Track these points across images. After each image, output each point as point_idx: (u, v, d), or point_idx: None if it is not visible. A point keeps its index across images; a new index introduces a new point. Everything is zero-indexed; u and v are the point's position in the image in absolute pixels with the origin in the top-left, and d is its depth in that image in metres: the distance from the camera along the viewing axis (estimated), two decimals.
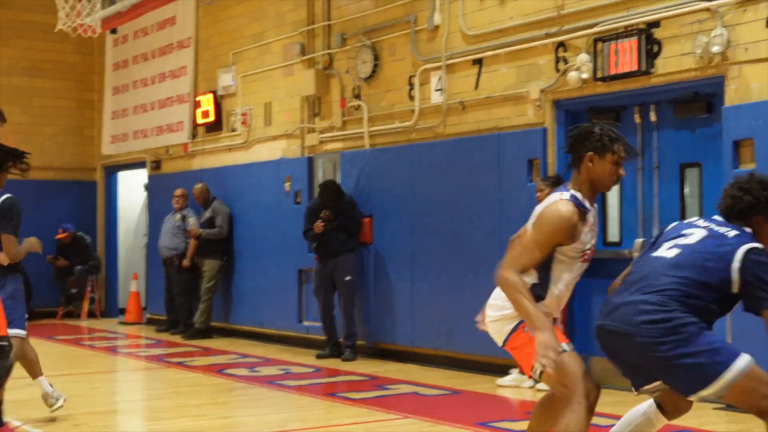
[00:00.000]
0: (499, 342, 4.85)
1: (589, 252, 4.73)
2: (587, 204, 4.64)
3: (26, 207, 18.37)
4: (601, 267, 8.88)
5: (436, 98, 10.64)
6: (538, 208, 4.75)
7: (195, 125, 14.73)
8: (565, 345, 4.55)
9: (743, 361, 4.27)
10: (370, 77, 11.55)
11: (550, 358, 4.28)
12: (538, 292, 4.62)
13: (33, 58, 17.52)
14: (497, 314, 4.79)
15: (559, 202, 4.59)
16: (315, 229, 11.23)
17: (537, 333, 4.36)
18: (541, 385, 7.06)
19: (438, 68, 10.62)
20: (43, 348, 12.78)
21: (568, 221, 4.55)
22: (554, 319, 4.78)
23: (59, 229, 16.48)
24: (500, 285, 4.63)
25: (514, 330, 4.70)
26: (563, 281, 4.74)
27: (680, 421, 5.20)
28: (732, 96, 7.98)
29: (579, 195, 4.62)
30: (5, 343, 6.37)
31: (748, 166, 7.75)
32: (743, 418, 7.12)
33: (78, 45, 16.75)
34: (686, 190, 8.72)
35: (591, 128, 4.65)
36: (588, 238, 4.67)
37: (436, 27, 10.67)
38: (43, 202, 16.96)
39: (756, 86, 7.82)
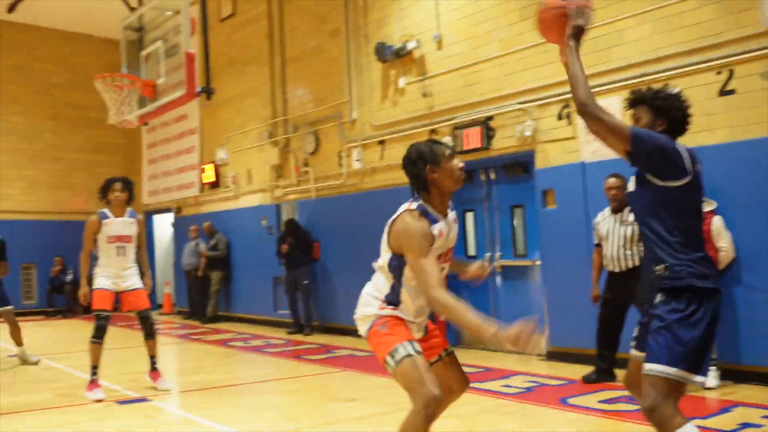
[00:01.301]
0: (363, 336, 3.54)
1: (443, 257, 3.41)
2: (437, 215, 3.36)
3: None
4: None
5: (356, 165, 10.70)
6: (390, 222, 3.43)
7: (202, 184, 14.65)
8: (410, 349, 3.25)
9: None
10: (313, 152, 11.61)
11: (524, 340, 2.81)
12: (391, 299, 3.44)
13: (95, 141, 17.33)
14: (358, 313, 3.56)
15: (405, 213, 3.35)
16: (282, 250, 11.32)
17: (490, 335, 2.92)
18: None
19: (356, 146, 10.69)
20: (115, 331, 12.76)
21: (423, 227, 3.27)
22: (417, 323, 3.49)
23: None
24: (436, 308, 3.16)
25: (370, 328, 3.47)
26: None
27: None
28: (540, 162, 8.18)
29: (429, 207, 3.37)
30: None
31: (551, 207, 8.00)
32: None
33: (124, 132, 16.62)
34: (515, 222, 8.86)
35: (415, 150, 3.42)
36: (440, 243, 3.34)
37: (354, 120, 10.77)
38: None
39: (554, 156, 8.03)
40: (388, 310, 3.44)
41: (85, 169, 17.15)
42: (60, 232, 16.40)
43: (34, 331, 13.32)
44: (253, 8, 13.06)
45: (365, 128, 10.59)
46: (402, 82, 9.86)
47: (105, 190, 6.81)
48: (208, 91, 8.57)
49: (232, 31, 13.61)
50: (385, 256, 3.44)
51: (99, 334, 6.52)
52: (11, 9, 15.56)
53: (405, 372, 3.23)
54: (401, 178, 9.89)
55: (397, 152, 10.00)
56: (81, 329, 13.49)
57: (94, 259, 6.84)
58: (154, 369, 6.90)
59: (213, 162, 14.21)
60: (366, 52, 10.50)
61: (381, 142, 10.28)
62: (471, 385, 3.73)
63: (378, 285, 3.52)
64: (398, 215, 3.38)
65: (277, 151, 12.29)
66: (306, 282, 11.16)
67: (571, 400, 5.91)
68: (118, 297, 6.80)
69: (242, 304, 13.41)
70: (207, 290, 13.80)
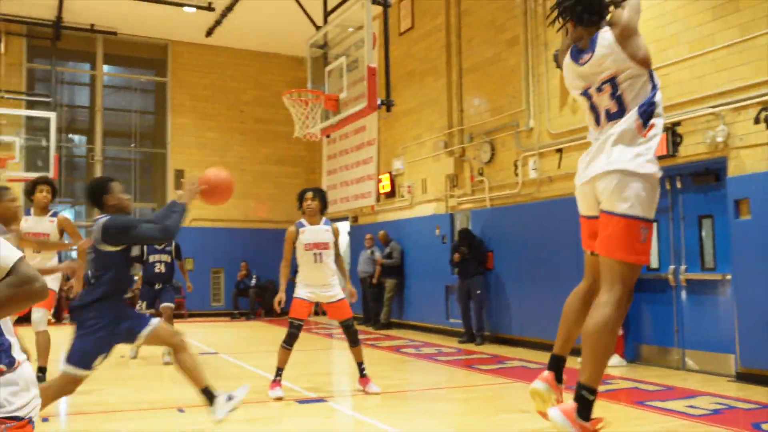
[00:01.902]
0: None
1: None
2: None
3: (277, 245, 19.08)
4: (646, 286, 8.73)
5: (532, 174, 10.59)
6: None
7: (378, 194, 15.01)
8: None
9: None
10: (489, 161, 11.59)
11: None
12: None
13: (279, 153, 18.23)
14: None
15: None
16: (454, 259, 11.34)
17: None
18: None
19: (533, 155, 10.58)
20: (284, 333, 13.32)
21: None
22: None
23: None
24: None
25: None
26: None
27: None
28: (733, 169, 7.68)
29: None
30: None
31: (746, 217, 7.49)
32: None
33: (306, 145, 17.40)
34: (703, 233, 8.39)
35: None
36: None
37: (531, 129, 10.67)
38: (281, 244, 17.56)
39: (750, 163, 7.51)
40: None
41: (269, 179, 18.13)
42: (246, 239, 17.42)
43: (220, 330, 14.22)
44: (431, 21, 13.28)
45: (543, 136, 10.44)
46: None
47: (299, 200, 7.09)
48: (388, 104, 8.71)
49: (411, 44, 13.90)
50: None
51: (290, 341, 6.78)
52: (209, 33, 16.81)
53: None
54: None
55: (575, 160, 9.72)
56: (262, 330, 14.23)
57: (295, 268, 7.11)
58: (363, 375, 6.99)
59: (389, 172, 14.51)
60: (545, 60, 10.37)
61: (559, 151, 10.09)
62: (652, 403, 3.65)
63: None
64: None
65: (453, 160, 12.36)
66: (479, 291, 11.11)
67: (765, 426, 5.45)
68: (318, 306, 6.97)
69: (415, 312, 13.55)
70: (381, 297, 14.06)
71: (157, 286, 9.37)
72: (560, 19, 3.75)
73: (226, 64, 17.98)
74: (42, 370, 6.35)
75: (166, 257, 9.52)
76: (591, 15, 3.69)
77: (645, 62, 3.56)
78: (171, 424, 5.64)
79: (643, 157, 3.50)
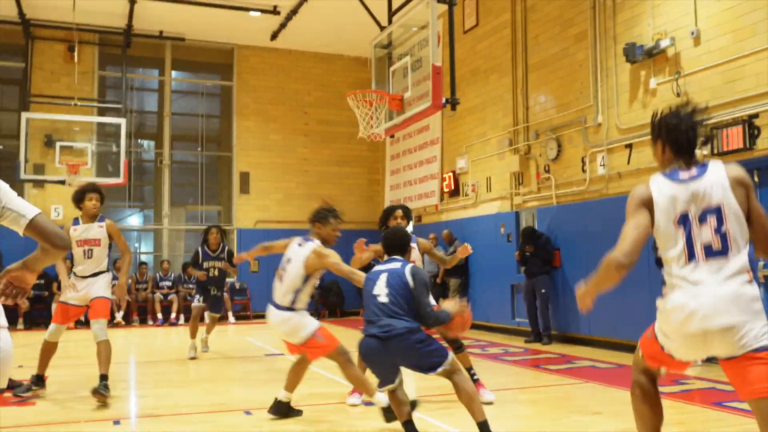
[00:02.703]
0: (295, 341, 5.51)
1: None
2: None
3: (340, 246, 19.16)
4: None
5: (600, 171, 10.42)
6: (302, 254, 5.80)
7: (442, 193, 14.95)
8: None
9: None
10: (555, 158, 11.44)
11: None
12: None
13: (342, 153, 18.30)
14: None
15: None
16: (517, 257, 11.24)
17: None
18: None
19: (601, 151, 10.41)
20: (350, 334, 13.33)
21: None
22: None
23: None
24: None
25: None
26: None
27: None
28: None
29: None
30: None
31: None
32: None
33: (369, 145, 17.42)
34: None
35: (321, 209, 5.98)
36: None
37: (600, 124, 10.51)
38: (349, 244, 17.50)
39: None
40: None
41: (331, 180, 18.21)
42: None
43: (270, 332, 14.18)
44: (496, 18, 13.15)
45: (611, 132, 10.27)
46: (653, 82, 9.45)
47: (385, 217, 6.90)
48: (452, 102, 8.64)
49: (475, 42, 13.78)
50: None
51: None
52: (274, 37, 16.99)
53: None
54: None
55: (646, 156, 9.54)
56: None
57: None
58: (475, 380, 6.79)
59: (453, 171, 14.46)
60: (614, 54, 10.20)
61: (628, 146, 9.90)
62: (731, 404, 3.37)
63: None
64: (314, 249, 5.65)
65: (518, 158, 12.22)
66: (544, 290, 10.96)
67: None
68: None
69: (480, 312, 13.42)
70: (445, 297, 13.96)
71: (212, 292, 9.92)
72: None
73: (290, 66, 18.14)
74: (104, 378, 6.42)
75: (219, 263, 9.99)
76: None
77: None
78: (239, 425, 5.65)
79: None
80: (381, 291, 4.73)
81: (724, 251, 3.02)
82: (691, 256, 3.07)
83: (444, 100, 8.34)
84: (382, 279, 4.75)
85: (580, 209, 10.76)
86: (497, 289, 12.77)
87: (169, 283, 16.13)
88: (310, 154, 18.18)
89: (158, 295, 15.83)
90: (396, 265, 4.84)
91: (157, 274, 16.25)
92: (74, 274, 6.90)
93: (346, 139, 17.81)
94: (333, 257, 5.76)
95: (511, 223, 12.53)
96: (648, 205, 3.17)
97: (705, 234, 3.04)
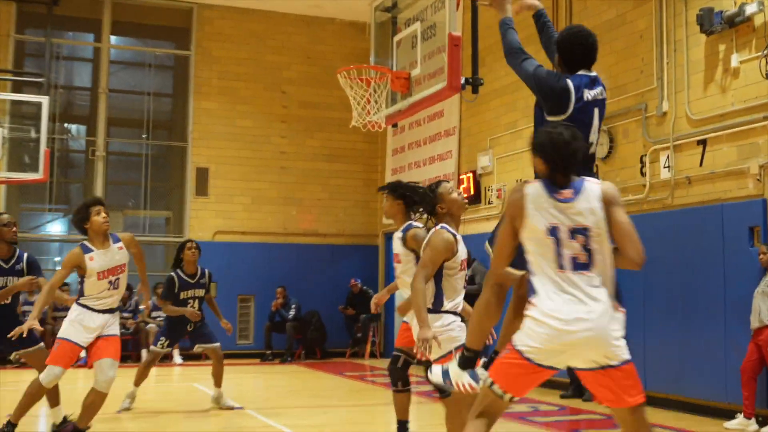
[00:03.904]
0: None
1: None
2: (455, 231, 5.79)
3: (324, 266, 19.15)
4: None
5: (664, 174, 10.42)
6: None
7: None
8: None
9: None
10: (606, 157, 11.44)
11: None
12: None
13: (331, 146, 18.32)
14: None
15: (437, 231, 5.74)
16: None
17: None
18: None
19: (666, 148, 10.42)
20: (333, 382, 13.27)
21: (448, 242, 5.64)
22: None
23: (352, 280, 17.08)
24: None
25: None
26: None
27: None
28: None
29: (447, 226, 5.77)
30: None
31: None
32: None
33: (365, 135, 17.34)
34: None
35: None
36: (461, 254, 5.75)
37: (665, 113, 10.52)
38: (337, 262, 17.68)
39: None
40: None
41: (317, 180, 18.21)
42: (285, 258, 17.52)
43: (247, 377, 14.22)
44: None
45: (680, 123, 10.30)
46: (735, 59, 9.48)
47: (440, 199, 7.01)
48: (474, 83, 8.57)
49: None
50: None
51: (396, 377, 7.02)
52: None
53: None
54: (730, 190, 9.45)
55: (725, 155, 9.58)
56: (302, 378, 14.21)
57: None
58: None
59: (473, 171, 14.48)
60: (685, 22, 10.25)
61: (701, 142, 9.93)
62: None
63: None
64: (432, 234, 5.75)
65: None
66: None
67: None
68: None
69: None
70: None
71: (190, 327, 9.82)
72: None
73: (266, 32, 18.18)
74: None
75: (200, 292, 9.87)
76: None
77: None
78: None
79: None
80: None
81: (587, 266, 4.10)
82: (560, 267, 4.11)
83: (463, 80, 8.30)
84: None
85: (638, 223, 10.56)
86: None
87: None
88: (289, 147, 18.19)
89: None
90: None
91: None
92: (86, 307, 7.12)
93: (337, 128, 17.77)
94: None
95: None
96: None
97: (574, 248, 4.10)
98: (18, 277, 7.54)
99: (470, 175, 14.51)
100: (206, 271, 10.01)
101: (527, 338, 4.03)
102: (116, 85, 18.21)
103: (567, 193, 4.16)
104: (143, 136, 18.17)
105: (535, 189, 4.19)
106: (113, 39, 18.23)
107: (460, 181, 14.75)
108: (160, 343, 9.76)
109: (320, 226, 18.10)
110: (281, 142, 18.17)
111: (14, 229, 7.70)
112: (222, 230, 17.45)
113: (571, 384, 11.16)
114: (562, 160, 4.19)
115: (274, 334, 17.02)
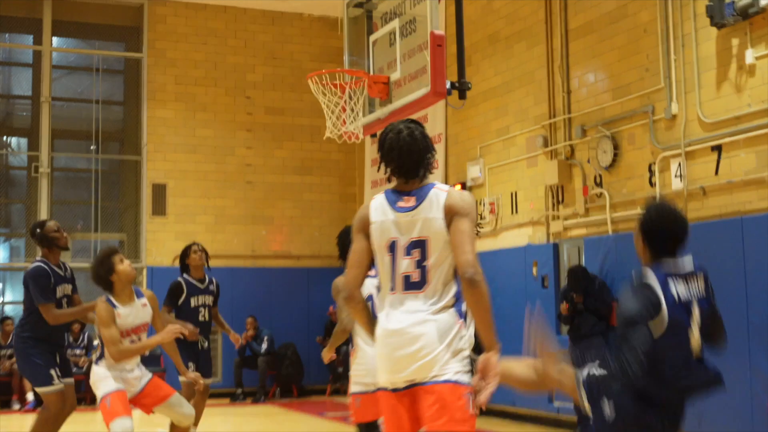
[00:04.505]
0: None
1: None
2: None
3: (298, 291, 19.02)
4: None
5: (676, 184, 10.41)
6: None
7: None
8: None
9: None
10: (610, 166, 11.44)
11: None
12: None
13: (303, 157, 18.30)
14: None
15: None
16: (562, 311, 11.14)
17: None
18: None
19: (677, 155, 10.42)
20: (312, 425, 13.20)
21: None
22: None
23: (330, 307, 16.95)
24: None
25: None
26: None
27: None
28: None
29: None
30: None
31: None
32: None
33: (340, 144, 17.14)
34: None
35: None
36: None
37: (674, 116, 10.52)
38: (313, 287, 17.54)
39: None
40: None
41: (288, 195, 18.16)
42: (253, 284, 17.40)
43: (215, 420, 14.00)
44: None
45: (692, 127, 10.32)
46: (750, 55, 9.49)
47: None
48: (461, 87, 8.59)
49: None
50: None
51: None
52: None
53: None
54: (749, 202, 9.45)
55: (742, 163, 9.58)
56: (277, 420, 14.11)
57: None
58: None
59: (463, 183, 14.44)
60: (693, 14, 10.27)
61: (716, 148, 9.94)
62: None
63: None
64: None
65: (556, 164, 12.25)
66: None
67: None
68: None
69: (501, 390, 13.26)
70: None
71: (201, 345, 9.57)
72: None
73: (226, 30, 18.15)
74: None
75: (210, 299, 9.72)
76: None
77: None
78: None
79: None
80: None
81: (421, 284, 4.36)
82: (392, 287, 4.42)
83: (449, 84, 8.29)
84: None
85: None
86: (525, 355, 12.66)
87: None
88: (255, 158, 18.14)
89: None
90: None
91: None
92: (109, 369, 7.18)
93: (308, 136, 17.77)
94: None
95: (546, 259, 12.51)
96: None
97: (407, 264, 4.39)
98: (71, 285, 8.23)
99: (459, 187, 14.38)
100: (214, 279, 9.87)
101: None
102: (60, 93, 18.14)
103: (409, 200, 4.41)
104: (92, 149, 18.06)
105: (379, 199, 4.49)
106: (55, 41, 18.16)
107: None
108: (191, 367, 9.06)
109: (293, 247, 18.02)
110: (247, 154, 18.11)
111: (65, 234, 8.23)
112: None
113: (580, 424, 11.14)
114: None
115: (245, 370, 16.94)
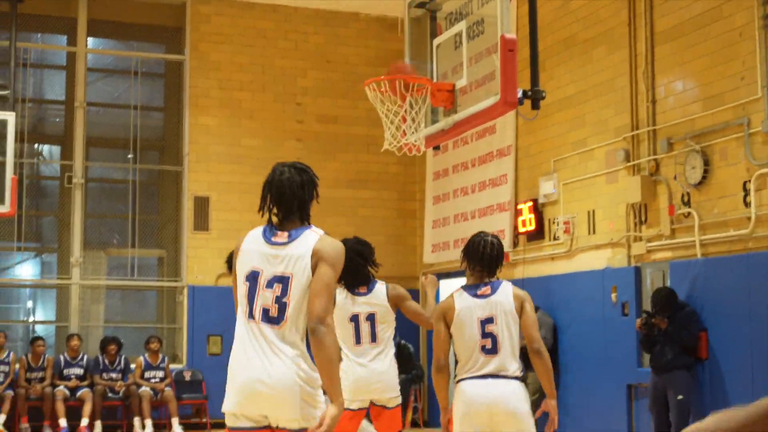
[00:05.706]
0: None
1: None
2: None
3: None
4: None
5: None
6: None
7: (516, 234, 14.90)
8: None
9: None
10: (700, 183, 11.39)
11: None
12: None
13: (358, 170, 18.34)
14: None
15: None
16: (641, 331, 11.20)
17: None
18: None
19: None
20: None
21: None
22: None
23: None
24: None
25: None
26: None
27: None
28: None
29: None
30: None
31: None
32: None
33: (399, 156, 17.25)
34: None
35: None
36: None
37: None
38: None
39: None
40: None
41: (340, 210, 18.11)
42: None
43: None
44: None
45: None
46: None
47: None
48: (534, 97, 8.59)
49: None
50: None
51: None
52: None
53: None
54: None
55: None
56: None
57: None
58: None
59: (534, 200, 14.48)
60: None
61: None
62: None
63: None
64: None
65: (639, 181, 12.22)
66: (681, 398, 10.88)
67: None
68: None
69: (576, 423, 13.33)
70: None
71: None
72: None
73: (276, 31, 18.26)
74: None
75: None
76: None
77: None
78: None
79: None
80: None
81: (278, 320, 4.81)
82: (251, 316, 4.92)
83: (520, 93, 8.30)
84: None
85: (741, 265, 10.73)
86: (605, 390, 12.72)
87: (80, 371, 16.12)
88: None
89: (62, 389, 15.83)
90: None
91: (62, 357, 16.26)
92: None
93: (364, 147, 17.83)
94: None
95: (627, 284, 12.47)
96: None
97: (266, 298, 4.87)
98: None
99: (530, 204, 14.49)
100: None
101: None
102: (96, 98, 18.36)
103: (281, 236, 4.93)
104: (129, 158, 18.22)
105: (256, 232, 5.05)
106: (90, 42, 18.33)
107: (518, 212, 14.73)
108: None
109: None
110: None
111: None
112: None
113: None
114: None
115: None
